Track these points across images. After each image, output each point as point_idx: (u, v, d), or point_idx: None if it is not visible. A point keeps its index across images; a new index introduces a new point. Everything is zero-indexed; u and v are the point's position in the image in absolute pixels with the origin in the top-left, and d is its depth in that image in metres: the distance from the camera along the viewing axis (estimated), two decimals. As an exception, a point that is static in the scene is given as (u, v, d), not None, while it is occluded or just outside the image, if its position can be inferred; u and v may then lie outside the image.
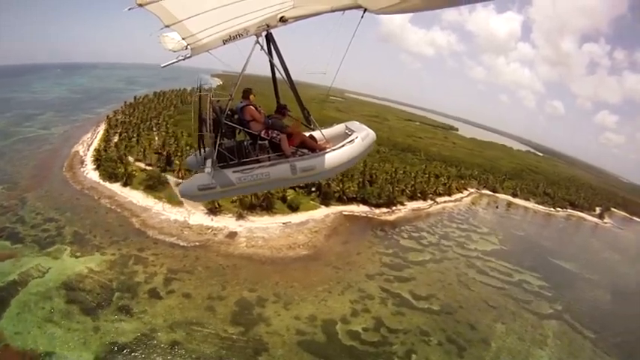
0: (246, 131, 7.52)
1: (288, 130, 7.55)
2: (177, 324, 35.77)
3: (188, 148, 78.34)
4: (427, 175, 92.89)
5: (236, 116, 7.62)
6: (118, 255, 46.08)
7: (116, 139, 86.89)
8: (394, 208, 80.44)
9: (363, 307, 45.45)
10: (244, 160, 7.08)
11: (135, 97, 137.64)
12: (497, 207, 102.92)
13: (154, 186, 64.37)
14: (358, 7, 5.06)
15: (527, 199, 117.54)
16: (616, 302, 67.40)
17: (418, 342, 41.80)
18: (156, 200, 61.38)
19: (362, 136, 7.64)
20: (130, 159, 75.95)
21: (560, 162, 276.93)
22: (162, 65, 6.41)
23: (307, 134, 8.12)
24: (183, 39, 5.90)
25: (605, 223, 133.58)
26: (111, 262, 44.31)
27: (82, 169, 72.21)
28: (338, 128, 8.66)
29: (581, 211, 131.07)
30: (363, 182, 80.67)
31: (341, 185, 74.73)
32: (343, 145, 7.28)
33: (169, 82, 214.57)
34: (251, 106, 7.60)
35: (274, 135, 7.42)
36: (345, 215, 72.79)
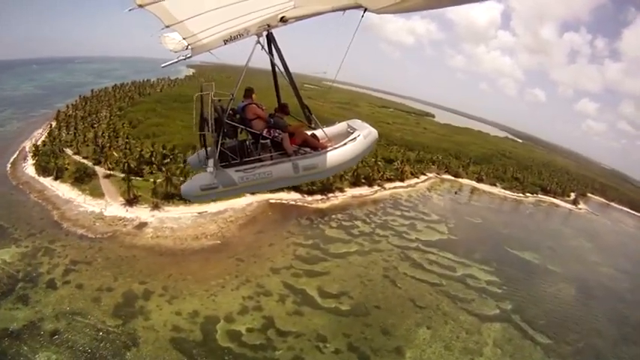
0: (248, 130, 7.34)
1: (290, 129, 7.48)
2: (63, 314, 35.27)
3: (118, 140, 77.28)
4: (374, 159, 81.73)
5: (238, 116, 7.45)
6: (31, 247, 45.24)
7: (57, 133, 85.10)
8: (330, 195, 69.80)
9: (255, 304, 39.61)
10: (246, 159, 7.00)
11: (92, 91, 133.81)
12: (455, 192, 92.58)
13: (80, 178, 63.08)
14: (359, 6, 4.94)
15: (493, 185, 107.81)
16: (581, 298, 58.42)
17: (310, 348, 35.08)
18: (79, 192, 59.38)
19: (364, 134, 7.48)
20: (69, 152, 74.13)
21: (540, 148, 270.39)
22: (163, 65, 6.56)
23: (309, 133, 7.94)
24: (184, 39, 5.87)
25: (580, 209, 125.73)
26: (22, 254, 43.68)
27: (22, 165, 69.94)
28: (340, 126, 8.50)
29: (554, 197, 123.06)
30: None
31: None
32: (345, 144, 7.12)
33: (142, 74, 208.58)
34: (254, 104, 7.47)
35: (276, 134, 7.30)
36: (271, 203, 64.42)
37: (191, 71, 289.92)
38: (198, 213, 57.27)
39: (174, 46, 6.29)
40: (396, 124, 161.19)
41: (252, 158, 7.00)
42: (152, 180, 62.19)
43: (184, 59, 6.26)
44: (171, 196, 58.90)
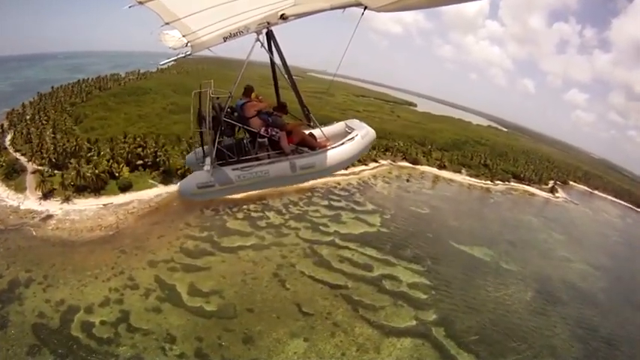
0: (245, 129, 7.32)
1: (287, 128, 7.37)
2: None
3: (52, 136, 74.79)
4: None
5: (236, 114, 7.45)
6: (-50, 240, 44.49)
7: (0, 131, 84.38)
8: None
9: (118, 297, 37.57)
10: (243, 157, 6.97)
11: (52, 88, 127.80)
12: (407, 180, 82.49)
13: (9, 174, 63.01)
14: (358, 4, 4.90)
15: (457, 172, 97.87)
16: (538, 303, 48.81)
17: (154, 348, 32.15)
18: (6, 188, 59.11)
19: (362, 134, 7.47)
20: (11, 150, 73.91)
21: (525, 137, 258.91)
22: (161, 63, 6.67)
23: (307, 132, 7.93)
24: (183, 36, 5.81)
25: (557, 197, 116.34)
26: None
27: (-36, 164, 69.48)
28: (338, 126, 8.53)
29: (529, 185, 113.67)
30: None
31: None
32: (343, 143, 7.10)
33: (120, 68, 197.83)
34: (253, 102, 7.41)
35: (274, 133, 7.22)
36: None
37: (169, 63, 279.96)
38: (103, 205, 55.51)
39: (174, 43, 6.34)
40: (366, 111, 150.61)
41: (249, 157, 6.97)
42: (61, 174, 60.13)
43: (184, 57, 6.30)
44: (83, 188, 58.08)
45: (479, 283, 48.88)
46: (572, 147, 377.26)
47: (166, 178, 63.55)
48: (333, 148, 6.85)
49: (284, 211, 54.74)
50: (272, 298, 37.29)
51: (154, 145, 67.87)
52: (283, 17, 5.99)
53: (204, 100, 6.56)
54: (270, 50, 6.63)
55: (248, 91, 7.42)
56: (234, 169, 6.54)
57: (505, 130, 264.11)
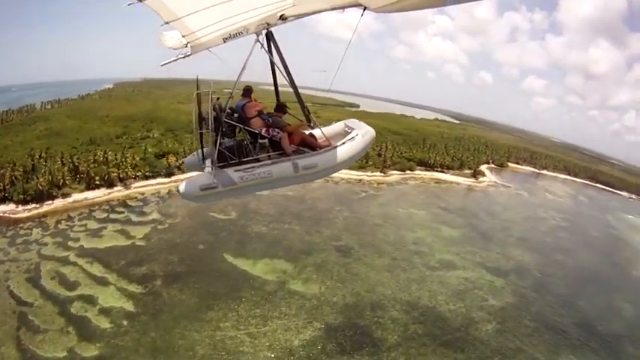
0: (246, 130, 7.32)
1: (288, 129, 7.44)
2: None
3: None
4: (129, 156, 70.48)
5: (236, 115, 7.47)
6: None
7: None
8: (48, 202, 60.51)
9: None
10: (245, 159, 6.93)
11: None
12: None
13: None
14: (358, 5, 4.93)
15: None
16: (309, 351, 32.48)
17: None
18: None
19: (362, 133, 7.64)
20: None
21: (478, 127, 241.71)
22: (162, 64, 6.35)
23: (307, 132, 8.00)
24: (183, 36, 5.81)
25: (481, 182, 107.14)
26: None
27: None
28: (337, 126, 8.68)
29: (442, 172, 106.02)
30: (13, 179, 64.73)
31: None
32: (344, 143, 7.25)
33: (56, 95, 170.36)
34: (254, 102, 7.41)
35: (275, 133, 7.27)
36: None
37: (109, 86, 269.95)
38: None
39: (174, 43, 6.24)
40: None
41: (250, 158, 6.89)
42: None
43: (183, 57, 6.19)
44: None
45: (213, 316, 35.49)
46: (531, 133, 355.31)
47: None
48: (334, 147, 6.99)
49: (52, 227, 53.52)
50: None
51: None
52: (282, 18, 6.01)
53: (205, 101, 6.51)
54: (269, 51, 6.75)
55: (247, 91, 7.41)
56: (236, 171, 6.53)
57: (457, 122, 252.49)
